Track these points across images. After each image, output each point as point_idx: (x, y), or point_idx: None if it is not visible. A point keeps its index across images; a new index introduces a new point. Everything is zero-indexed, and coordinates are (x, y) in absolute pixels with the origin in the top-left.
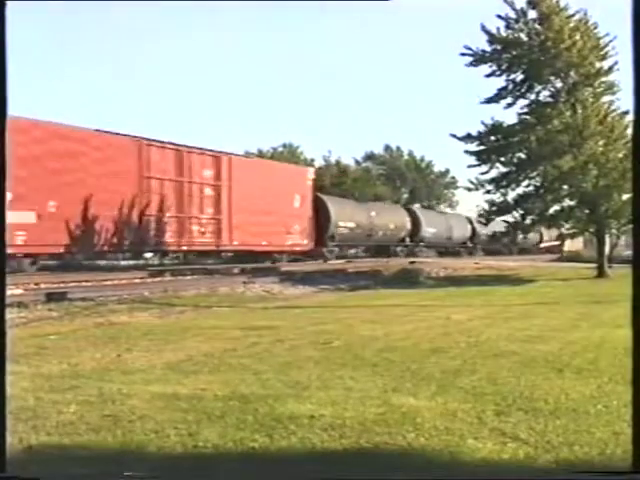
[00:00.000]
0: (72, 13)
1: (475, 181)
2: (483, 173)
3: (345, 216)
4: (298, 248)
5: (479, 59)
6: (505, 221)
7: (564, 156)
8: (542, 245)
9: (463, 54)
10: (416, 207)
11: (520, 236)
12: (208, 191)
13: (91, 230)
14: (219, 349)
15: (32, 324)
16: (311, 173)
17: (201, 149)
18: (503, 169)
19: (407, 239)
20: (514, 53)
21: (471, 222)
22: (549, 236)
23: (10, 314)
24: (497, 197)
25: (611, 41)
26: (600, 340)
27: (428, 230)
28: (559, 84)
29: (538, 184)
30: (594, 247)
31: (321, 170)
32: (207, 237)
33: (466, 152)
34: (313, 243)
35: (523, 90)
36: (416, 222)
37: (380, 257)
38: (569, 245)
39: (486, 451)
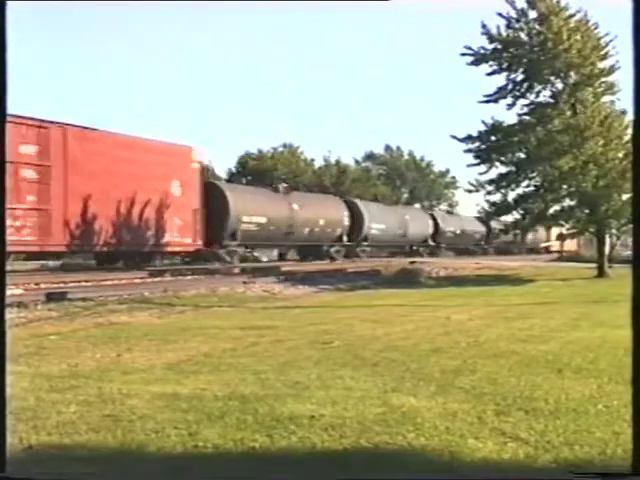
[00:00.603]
0: (72, 13)
1: (475, 182)
2: (482, 173)
3: (252, 209)
4: (178, 248)
5: (480, 58)
6: (486, 222)
7: (564, 156)
8: (541, 246)
9: (464, 54)
10: (358, 200)
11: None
12: (29, 173)
13: None
14: (219, 349)
15: (32, 324)
16: (197, 154)
17: (17, 117)
18: (503, 169)
19: (345, 237)
20: (514, 52)
21: (434, 218)
22: (534, 236)
23: (10, 314)
24: (497, 197)
25: (611, 41)
26: (600, 340)
27: (374, 226)
28: (559, 84)
29: (538, 184)
30: (593, 247)
31: (321, 170)
32: (25, 234)
33: (466, 151)
34: (202, 242)
35: (523, 90)
36: (357, 217)
37: (308, 260)
38: (566, 245)
39: (486, 451)
